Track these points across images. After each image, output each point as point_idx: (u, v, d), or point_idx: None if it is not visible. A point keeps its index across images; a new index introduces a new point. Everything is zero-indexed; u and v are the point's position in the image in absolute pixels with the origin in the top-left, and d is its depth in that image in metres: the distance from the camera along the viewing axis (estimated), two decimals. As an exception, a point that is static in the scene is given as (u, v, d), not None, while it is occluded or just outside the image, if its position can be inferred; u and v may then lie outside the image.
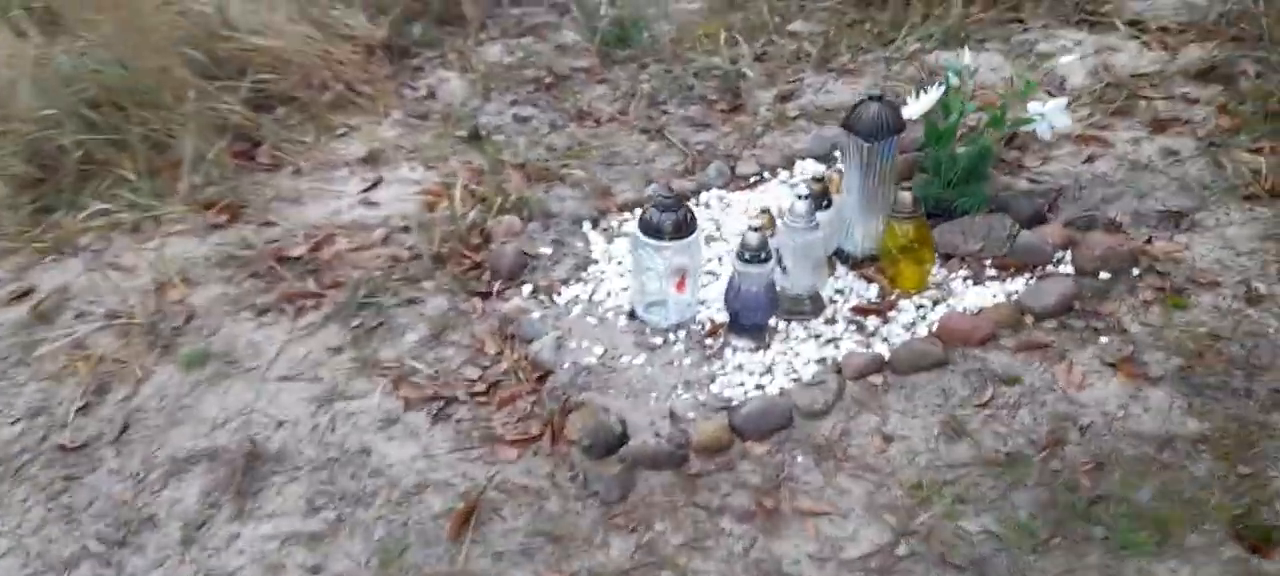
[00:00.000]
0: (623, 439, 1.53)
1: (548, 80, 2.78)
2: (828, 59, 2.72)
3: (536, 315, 1.84)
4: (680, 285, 1.76)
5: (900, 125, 1.83)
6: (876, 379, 1.62)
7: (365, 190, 2.29)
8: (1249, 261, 1.77)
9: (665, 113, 2.57)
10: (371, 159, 2.43)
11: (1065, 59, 1.81)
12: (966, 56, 1.98)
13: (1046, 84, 2.47)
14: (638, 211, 2.15)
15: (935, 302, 1.80)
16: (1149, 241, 1.85)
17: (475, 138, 2.51)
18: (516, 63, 2.90)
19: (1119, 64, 2.47)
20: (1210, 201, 1.94)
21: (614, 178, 2.30)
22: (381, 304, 1.88)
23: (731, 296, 1.72)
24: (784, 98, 2.57)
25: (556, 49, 2.95)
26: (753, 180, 2.25)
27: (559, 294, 1.91)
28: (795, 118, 2.48)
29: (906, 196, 1.79)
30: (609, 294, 1.91)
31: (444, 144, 2.47)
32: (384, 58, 2.90)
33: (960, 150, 1.95)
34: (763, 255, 1.66)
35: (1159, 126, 2.20)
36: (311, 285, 1.95)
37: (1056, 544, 1.30)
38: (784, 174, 2.26)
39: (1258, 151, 2.03)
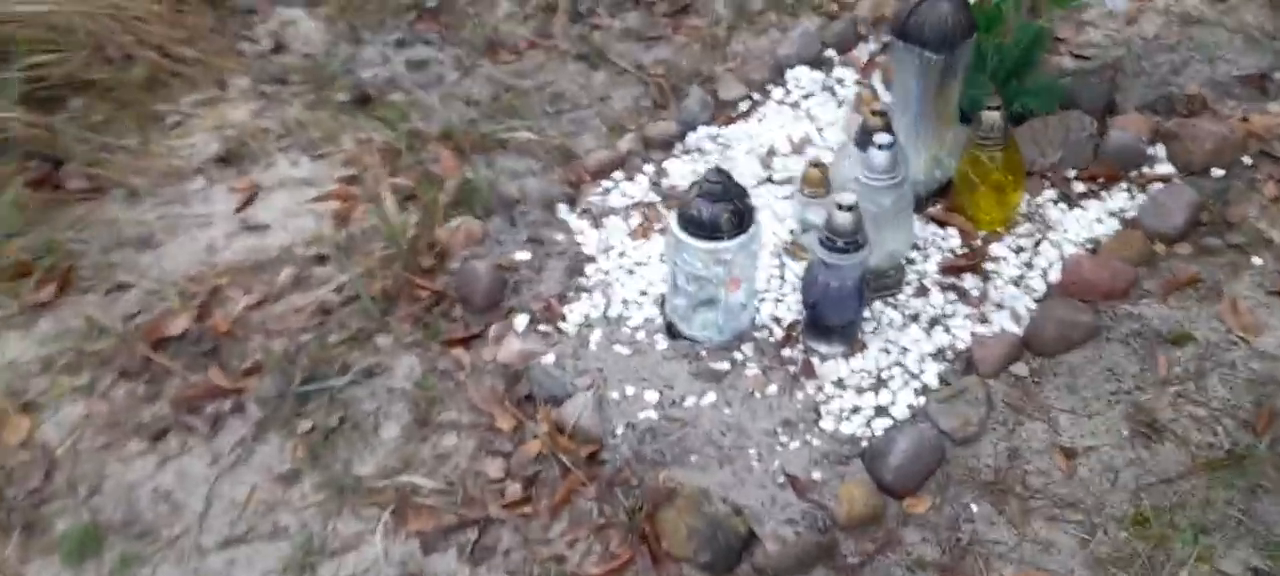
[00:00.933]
0: (748, 538, 1.13)
1: (431, 3, 2.18)
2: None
3: (550, 359, 1.37)
4: (734, 284, 1.34)
5: (973, 26, 1.43)
6: (1020, 368, 1.29)
7: (241, 207, 1.69)
8: (1364, 126, 1.53)
9: (597, 28, 2.05)
10: (233, 156, 1.80)
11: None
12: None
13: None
14: (619, 178, 1.68)
15: (1037, 242, 1.47)
16: (1245, 119, 1.57)
17: (364, 101, 1.92)
18: (379, -17, 2.27)
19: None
20: (1286, 54, 1.68)
21: (569, 131, 1.79)
22: (331, 387, 1.35)
23: (814, 292, 1.32)
24: (736, -14, 2.10)
25: (425, -43, 2.32)
26: (744, 107, 1.81)
27: (564, 319, 1.44)
28: (762, 12, 2.03)
29: (994, 116, 1.41)
30: (627, 303, 1.46)
31: (325, 116, 1.87)
32: (198, 3, 2.19)
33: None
34: (859, 240, 1.25)
35: (1188, -32, 1.90)
36: (218, 376, 1.38)
37: (1345, 571, 1.03)
38: (778, 92, 1.83)
39: (1311, -17, 1.78)
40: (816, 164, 1.44)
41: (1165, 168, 1.53)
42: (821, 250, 1.27)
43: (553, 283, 1.50)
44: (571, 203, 1.64)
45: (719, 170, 1.27)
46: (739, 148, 1.72)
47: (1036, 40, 1.59)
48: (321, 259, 1.57)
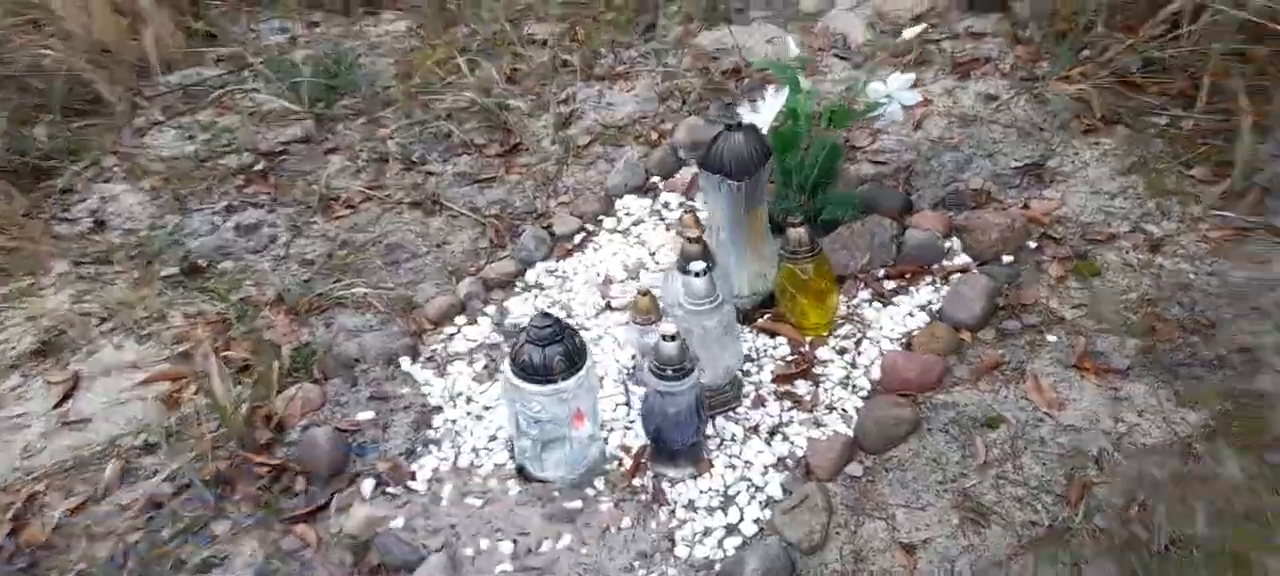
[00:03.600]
0: (609, 682, 1.13)
1: (259, 166, 2.16)
2: (591, 64, 2.36)
3: (399, 522, 1.35)
4: (579, 419, 1.36)
5: (768, 150, 1.54)
6: (855, 469, 1.35)
7: (61, 402, 1.61)
8: (1125, 202, 1.71)
9: (430, 174, 2.08)
10: (50, 347, 1.72)
11: (910, 32, 1.62)
12: (794, 46, 1.73)
13: (824, 47, 2.32)
14: (461, 323, 1.69)
15: (857, 341, 1.56)
16: (1026, 206, 1.73)
17: (193, 273, 1.87)
18: (205, 150, 2.24)
19: (889, 9, 2.37)
20: (1055, 145, 1.87)
21: (408, 280, 1.80)
22: (165, 586, 1.28)
23: (653, 420, 1.35)
24: (563, 123, 2.19)
25: (252, 119, 2.32)
26: (578, 239, 1.86)
27: (413, 476, 1.42)
28: (588, 146, 2.11)
29: (801, 233, 1.51)
30: (476, 451, 1.46)
31: (151, 294, 1.81)
32: (9, 187, 2.11)
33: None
34: (686, 365, 1.30)
35: (963, 70, 2.11)
36: (37, 593, 1.29)
37: (1158, 625, 1.12)
38: (609, 221, 1.90)
39: (1068, 79, 2.00)
40: (645, 292, 1.49)
41: (962, 259, 1.66)
42: (653, 379, 1.31)
43: (399, 440, 1.48)
44: (414, 354, 1.64)
45: (546, 313, 1.31)
46: (577, 279, 1.76)
47: (832, 153, 1.72)
48: (150, 447, 1.50)
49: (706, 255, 1.50)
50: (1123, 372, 1.41)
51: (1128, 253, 1.62)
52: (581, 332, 1.39)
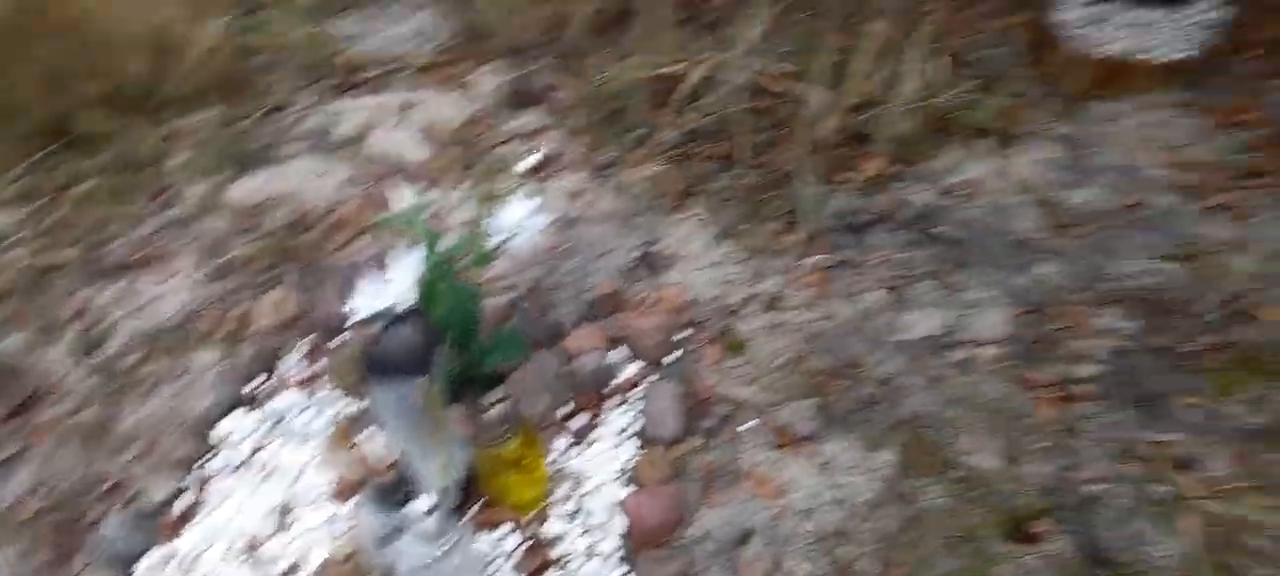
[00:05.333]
0: None
1: None
2: (100, 255, 1.84)
3: None
4: None
5: (440, 332, 1.34)
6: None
7: None
8: (733, 269, 1.83)
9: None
10: None
11: (524, 165, 1.52)
12: (410, 194, 1.53)
13: (383, 172, 2.11)
14: None
15: (581, 499, 1.44)
16: (659, 299, 1.76)
17: None
18: None
19: (432, 120, 2.24)
20: (658, 229, 1.93)
21: None
22: None
23: None
24: (89, 346, 1.66)
25: None
26: (188, 500, 1.43)
27: None
28: (137, 366, 1.64)
29: (499, 411, 1.35)
30: None
31: None
32: None
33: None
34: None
35: (541, 173, 2.07)
36: None
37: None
38: (219, 460, 1.49)
39: (633, 164, 2.08)
40: (351, 554, 1.20)
41: (633, 368, 1.64)
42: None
43: None
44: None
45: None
46: (210, 556, 1.36)
47: (474, 299, 1.57)
48: None
49: (404, 482, 1.25)
50: (813, 437, 1.51)
51: (756, 316, 1.74)
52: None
